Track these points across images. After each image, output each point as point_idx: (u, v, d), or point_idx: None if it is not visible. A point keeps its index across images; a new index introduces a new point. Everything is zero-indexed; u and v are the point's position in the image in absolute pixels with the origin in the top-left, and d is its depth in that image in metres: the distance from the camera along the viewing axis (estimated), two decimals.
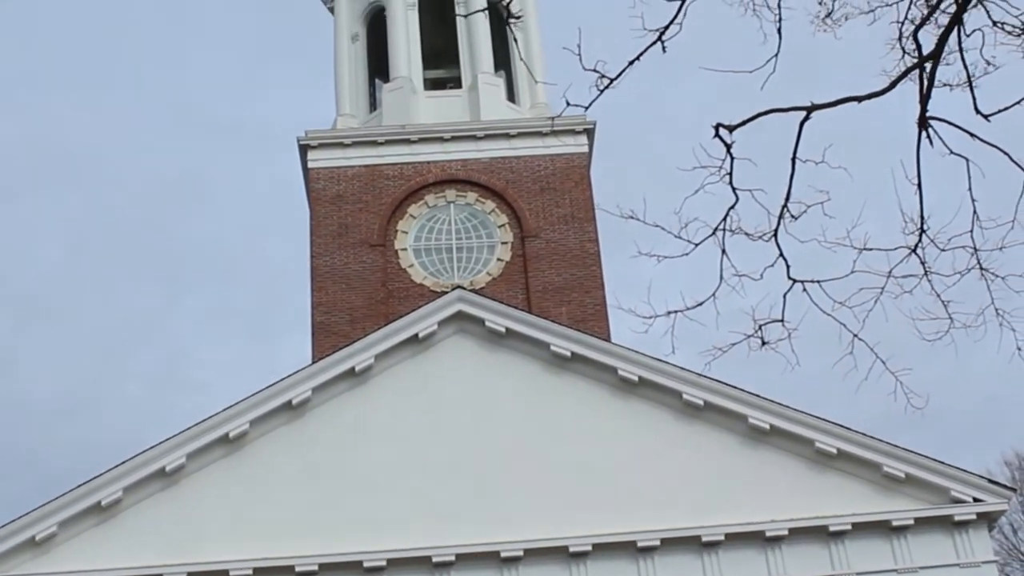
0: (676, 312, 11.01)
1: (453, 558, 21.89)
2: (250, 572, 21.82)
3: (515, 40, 32.48)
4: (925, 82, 10.70)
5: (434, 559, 21.88)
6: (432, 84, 33.55)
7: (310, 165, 30.84)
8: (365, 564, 21.86)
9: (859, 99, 10.91)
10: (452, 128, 31.05)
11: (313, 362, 24.59)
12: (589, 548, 22.01)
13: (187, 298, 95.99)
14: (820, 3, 11.72)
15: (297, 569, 21.82)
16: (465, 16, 31.63)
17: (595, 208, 30.11)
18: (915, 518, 22.42)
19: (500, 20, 33.28)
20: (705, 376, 22.79)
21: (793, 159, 10.96)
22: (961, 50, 10.73)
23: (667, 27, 11.04)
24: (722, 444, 23.20)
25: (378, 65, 33.89)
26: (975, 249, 10.87)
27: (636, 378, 23.36)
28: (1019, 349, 11.10)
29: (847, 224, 10.99)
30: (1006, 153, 10.82)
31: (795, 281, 11.12)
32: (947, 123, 10.81)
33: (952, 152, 10.87)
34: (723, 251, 10.96)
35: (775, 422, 22.98)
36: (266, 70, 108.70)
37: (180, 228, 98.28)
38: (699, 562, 22.15)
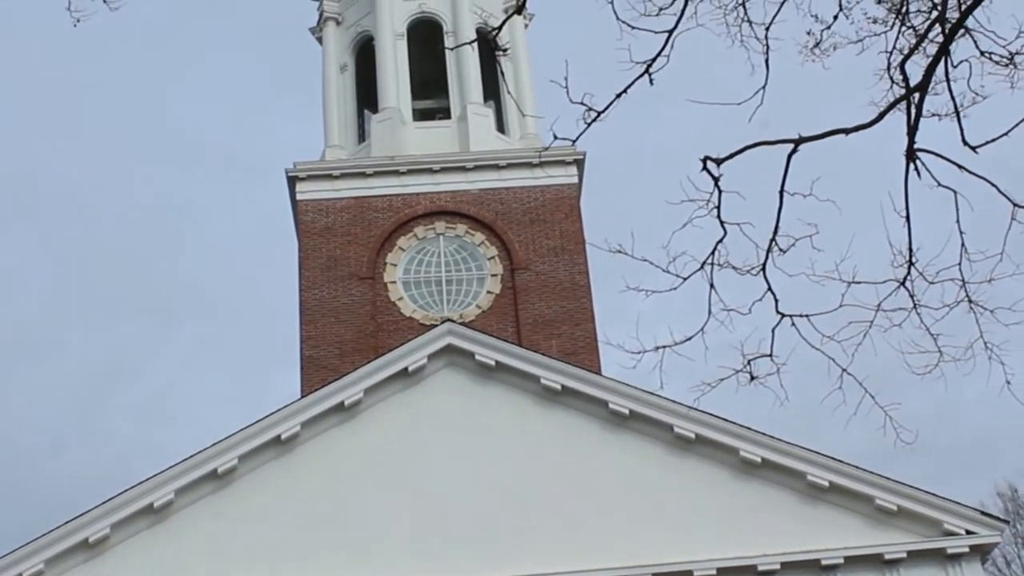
0: (664, 347, 11.01)
1: None
2: None
3: (502, 74, 32.51)
4: (912, 114, 10.72)
5: None
6: (421, 115, 33.56)
7: (298, 197, 30.83)
8: None
9: (847, 131, 10.93)
10: (441, 159, 31.06)
11: (302, 396, 24.53)
12: None
13: (175, 332, 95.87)
14: (808, 33, 11.78)
15: None
16: (452, 49, 31.64)
17: (585, 240, 30.11)
18: (908, 551, 22.38)
19: (490, 49, 33.31)
20: (696, 409, 22.66)
21: (781, 192, 10.97)
22: (948, 81, 10.77)
23: (654, 59, 11.09)
24: (713, 477, 23.16)
25: (367, 95, 33.92)
26: (964, 282, 10.88)
27: (627, 411, 23.32)
28: (1008, 382, 11.11)
29: (836, 257, 11.00)
30: (994, 185, 10.83)
31: (783, 315, 11.12)
32: (935, 155, 10.83)
33: (940, 184, 10.88)
34: (711, 285, 10.97)
35: (767, 455, 22.94)
36: (254, 101, 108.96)
37: (168, 261, 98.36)
38: None
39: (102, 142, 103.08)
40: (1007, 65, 10.91)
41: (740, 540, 22.42)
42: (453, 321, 25.07)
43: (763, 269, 11.01)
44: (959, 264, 10.89)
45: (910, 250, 10.98)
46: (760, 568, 22.12)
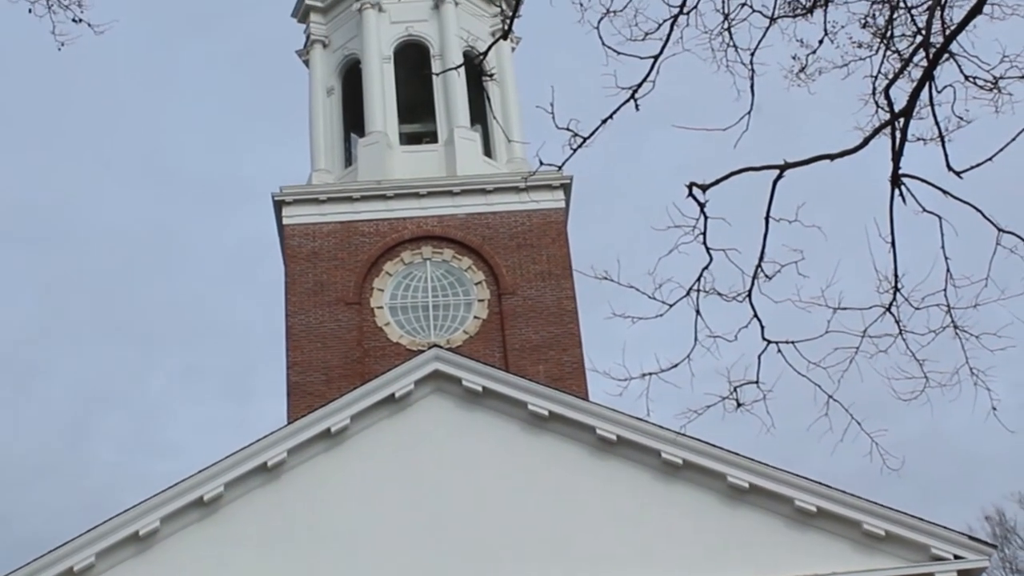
0: (651, 374, 11.01)
1: None
2: None
3: (488, 99, 32.53)
4: (897, 139, 10.75)
5: None
6: (408, 138, 33.54)
7: (285, 221, 30.78)
8: None
9: (832, 157, 10.95)
10: (428, 184, 31.03)
11: (288, 423, 24.43)
12: None
13: (161, 358, 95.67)
14: (794, 58, 11.82)
15: None
16: (438, 74, 31.66)
17: (572, 265, 30.12)
18: None
19: (477, 73, 33.36)
20: (684, 435, 22.65)
21: (767, 218, 10.99)
22: (932, 105, 10.80)
23: (640, 85, 11.12)
24: (701, 503, 23.14)
25: (353, 119, 33.91)
26: (949, 307, 10.89)
27: (615, 437, 23.30)
28: (994, 408, 11.12)
29: (821, 283, 11.02)
30: (978, 210, 10.85)
31: (769, 342, 11.12)
32: (920, 180, 10.85)
33: (925, 210, 10.90)
34: (697, 312, 10.97)
35: (754, 480, 22.93)
36: (241, 125, 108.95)
37: (154, 286, 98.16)
38: None
39: (87, 165, 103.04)
40: (991, 89, 10.95)
41: (728, 565, 22.40)
42: (440, 347, 25.03)
43: (749, 295, 11.02)
44: (944, 290, 10.92)
45: (896, 276, 11.00)
46: None
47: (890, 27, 11.21)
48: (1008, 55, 10.78)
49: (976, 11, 10.19)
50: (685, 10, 11.15)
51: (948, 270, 10.91)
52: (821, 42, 11.61)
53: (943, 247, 10.92)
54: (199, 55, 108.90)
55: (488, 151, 33.42)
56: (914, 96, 10.66)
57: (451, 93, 32.84)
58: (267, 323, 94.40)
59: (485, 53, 13.43)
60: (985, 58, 10.88)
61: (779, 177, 10.88)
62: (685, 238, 10.95)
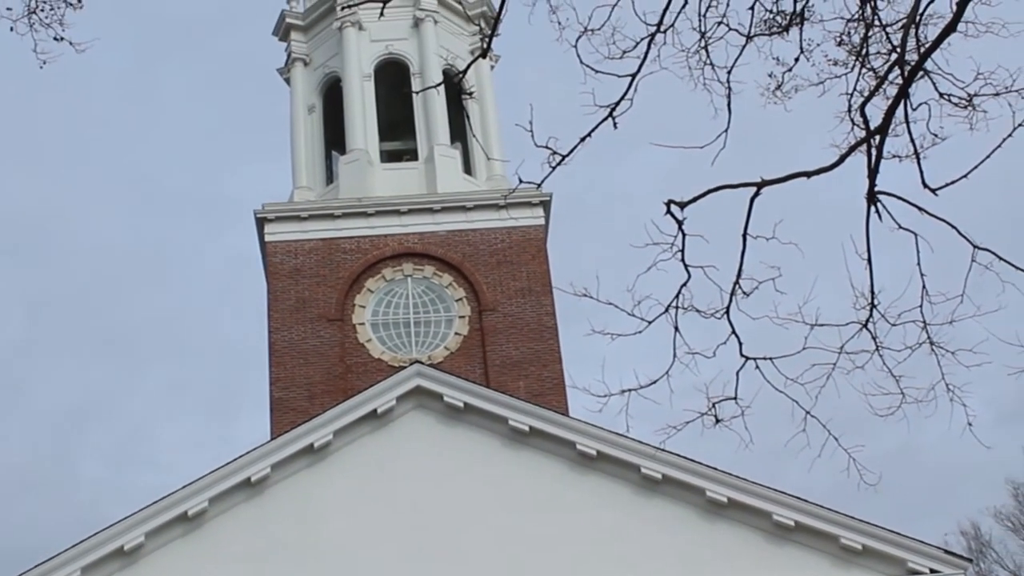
0: (630, 390, 10.96)
1: None
2: None
3: (467, 117, 32.51)
4: (873, 156, 10.71)
5: None
6: (388, 156, 33.46)
7: (267, 238, 30.68)
8: None
9: (808, 174, 10.91)
10: (409, 201, 30.97)
11: (272, 438, 24.38)
12: None
13: (145, 374, 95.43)
14: (770, 75, 11.79)
15: None
16: (418, 92, 31.60)
17: (552, 281, 30.08)
18: None
19: (457, 91, 33.37)
20: (663, 450, 22.43)
21: (744, 235, 10.95)
22: (908, 123, 10.76)
23: (618, 103, 11.06)
24: (680, 517, 23.11)
25: (334, 137, 33.82)
26: (925, 324, 10.85)
27: (595, 452, 23.27)
28: (970, 424, 11.09)
29: (798, 300, 10.97)
30: (954, 227, 10.81)
31: (747, 358, 11.08)
32: (895, 197, 10.82)
33: (901, 227, 10.86)
34: (676, 329, 10.92)
35: (733, 495, 22.92)
36: (224, 142, 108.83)
37: (138, 302, 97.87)
38: None
39: (72, 181, 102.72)
40: (966, 107, 10.92)
41: None
42: (421, 363, 25.01)
43: (727, 312, 10.97)
44: (920, 306, 10.87)
45: (872, 292, 10.96)
46: None
47: (865, 45, 11.19)
48: (983, 72, 10.76)
49: (950, 29, 10.16)
50: (662, 28, 11.11)
51: (924, 287, 10.88)
52: (797, 60, 11.58)
53: (919, 264, 10.89)
54: (182, 73, 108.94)
55: (468, 169, 33.36)
56: (889, 113, 10.63)
57: (431, 111, 32.78)
58: (251, 339, 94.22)
59: (464, 72, 13.41)
60: (960, 76, 10.87)
61: (756, 194, 10.84)
62: (663, 255, 10.90)
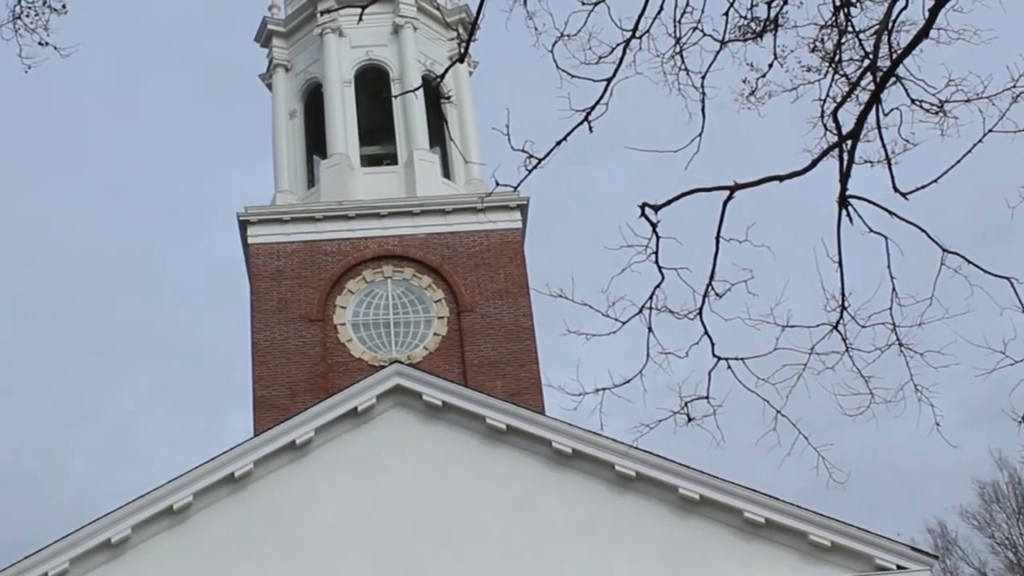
0: (604, 389, 10.85)
1: None
2: None
3: (445, 121, 32.41)
4: (845, 161, 10.62)
5: None
6: (369, 160, 33.30)
7: (250, 241, 30.52)
8: None
9: (781, 178, 10.81)
10: (389, 204, 30.85)
11: (255, 435, 24.33)
12: None
13: (132, 374, 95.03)
14: (744, 81, 11.67)
15: None
16: (396, 96, 31.46)
17: (529, 283, 30.02)
18: None
19: (436, 96, 33.26)
20: (636, 448, 22.50)
21: (717, 238, 10.84)
22: (879, 128, 10.67)
23: (593, 107, 10.95)
24: (653, 514, 23.08)
25: (316, 141, 33.65)
26: (894, 326, 10.78)
27: (570, 450, 23.22)
28: (937, 424, 11.03)
29: (770, 302, 10.88)
30: (924, 231, 10.74)
31: (719, 358, 10.98)
32: (867, 201, 10.73)
33: (871, 230, 10.78)
34: (649, 329, 10.82)
35: (705, 492, 22.88)
36: (207, 146, 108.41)
37: (124, 304, 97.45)
38: None
39: (57, 184, 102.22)
40: (937, 113, 10.83)
41: (680, 574, 22.31)
42: (401, 362, 24.93)
43: (700, 313, 10.87)
44: (890, 308, 10.79)
45: (843, 294, 10.87)
46: None
47: (838, 52, 11.08)
48: (954, 79, 10.67)
49: (922, 35, 10.07)
50: (638, 34, 10.99)
51: (894, 289, 10.81)
52: (771, 66, 11.47)
53: (889, 267, 10.82)
54: (165, 78, 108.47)
55: (447, 173, 33.24)
56: (861, 119, 10.53)
57: (411, 116, 32.65)
58: (234, 340, 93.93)
59: (442, 76, 13.29)
60: (932, 82, 10.78)
61: (729, 198, 10.73)
62: (637, 257, 10.79)
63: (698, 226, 11.19)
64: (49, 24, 11.28)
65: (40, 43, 11.35)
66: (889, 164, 10.78)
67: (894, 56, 10.44)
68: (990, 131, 10.61)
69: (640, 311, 10.81)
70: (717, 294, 10.84)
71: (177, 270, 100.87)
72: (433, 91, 30.47)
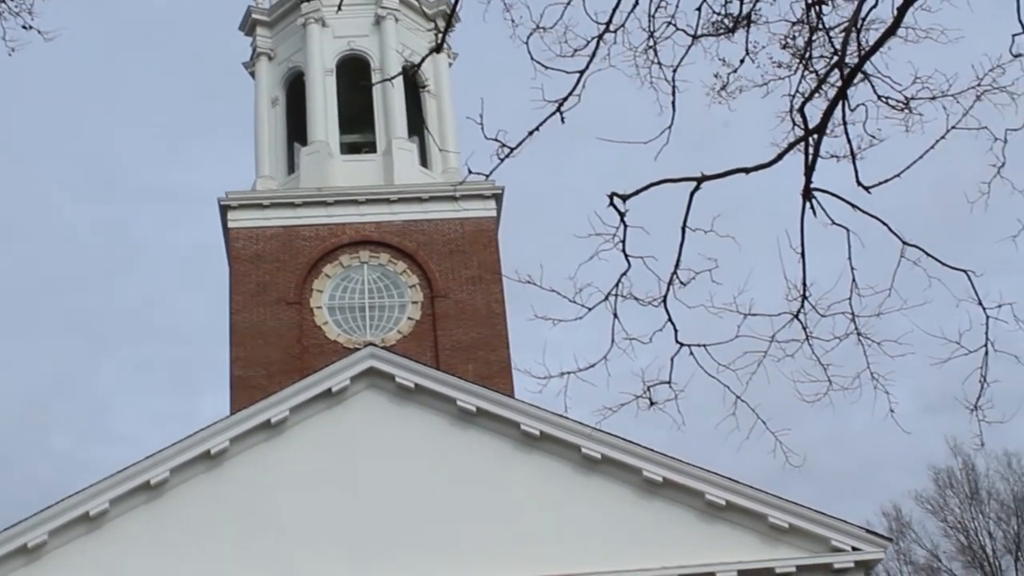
0: (569, 373, 10.78)
1: None
2: None
3: (423, 111, 32.28)
4: (810, 154, 10.56)
5: None
6: (348, 148, 33.17)
7: (230, 225, 30.33)
8: None
9: (747, 170, 10.73)
10: (367, 191, 30.72)
11: (231, 414, 24.20)
12: None
13: (112, 354, 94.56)
14: (716, 76, 11.57)
15: None
16: (373, 84, 31.32)
17: (502, 270, 29.94)
18: (797, 566, 22.49)
19: (416, 87, 33.19)
20: (602, 431, 22.60)
21: (683, 228, 10.75)
22: (845, 124, 10.61)
23: (566, 98, 10.83)
24: (618, 495, 23.11)
25: (296, 129, 33.46)
26: (853, 315, 10.72)
27: (538, 432, 23.22)
28: (892, 411, 11.00)
29: (733, 290, 10.81)
30: (885, 224, 10.69)
31: (682, 345, 10.90)
32: (830, 194, 10.67)
33: (834, 222, 10.72)
34: (615, 315, 10.73)
35: (668, 475, 22.92)
36: (189, 132, 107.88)
37: (105, 286, 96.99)
38: None
39: (39, 167, 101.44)
40: (903, 110, 10.78)
41: (641, 554, 22.41)
42: (375, 345, 24.87)
43: (664, 301, 10.78)
44: (850, 299, 10.73)
45: (804, 284, 10.80)
46: None
47: (809, 49, 10.99)
48: (920, 77, 10.62)
49: (890, 33, 10.01)
50: (612, 28, 10.88)
51: (854, 280, 10.75)
52: (743, 61, 11.36)
53: (850, 258, 10.75)
54: (150, 65, 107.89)
55: (425, 162, 33.11)
56: (828, 114, 10.46)
57: (390, 106, 32.51)
58: (213, 322, 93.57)
59: (418, 65, 13.21)
60: (898, 79, 10.72)
61: (696, 189, 10.65)
62: (605, 246, 10.69)
63: (665, 216, 11.12)
64: (33, 8, 11.09)
65: (24, 27, 11.14)
66: (853, 158, 10.72)
67: (862, 53, 10.38)
68: (953, 128, 10.56)
69: (606, 298, 10.73)
70: (682, 282, 10.76)
71: (158, 253, 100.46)
72: (413, 81, 30.35)
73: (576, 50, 10.93)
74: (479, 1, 10.77)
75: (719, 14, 11.14)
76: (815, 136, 10.44)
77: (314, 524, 22.50)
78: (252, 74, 34.74)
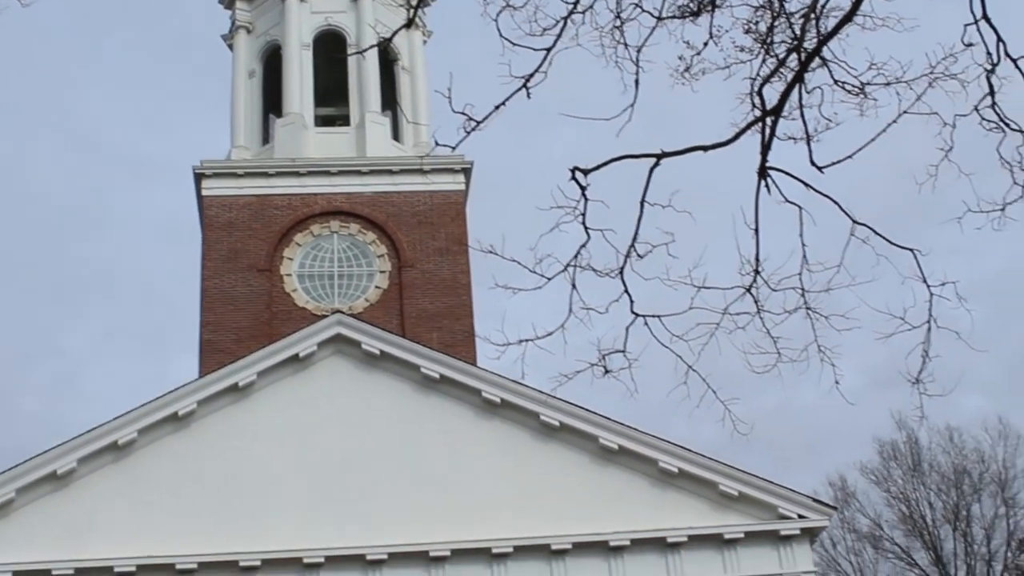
0: (527, 341, 10.79)
1: (322, 560, 21.67)
2: (133, 569, 21.50)
3: (396, 85, 32.12)
4: (767, 134, 10.60)
5: (305, 560, 21.64)
6: (322, 121, 32.98)
7: (204, 193, 30.11)
8: (241, 564, 21.61)
9: (705, 148, 10.76)
10: (339, 163, 30.56)
11: (200, 377, 24.06)
12: (448, 553, 21.85)
13: (83, 317, 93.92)
14: (680, 58, 11.57)
15: (177, 567, 21.53)
16: (347, 56, 31.15)
17: (469, 243, 29.90)
18: (745, 532, 22.60)
19: (389, 64, 33.04)
20: (561, 400, 22.74)
21: (642, 202, 10.78)
22: (801, 107, 10.66)
23: (532, 74, 10.82)
24: (574, 462, 23.18)
25: (272, 101, 33.21)
26: (803, 291, 10.79)
27: (498, 400, 23.25)
28: (837, 382, 11.08)
29: (689, 264, 10.86)
30: (836, 203, 10.78)
31: (637, 315, 10.93)
32: (784, 173, 10.73)
33: (787, 200, 10.79)
34: (573, 285, 10.75)
35: (623, 443, 23.01)
36: (167, 102, 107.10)
37: (78, 250, 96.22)
38: (547, 568, 22.16)
39: (15, 134, 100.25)
40: (858, 94, 10.83)
41: (595, 518, 22.52)
42: (343, 312, 24.83)
43: (621, 272, 10.81)
44: (800, 274, 10.80)
45: (757, 260, 10.85)
46: (611, 544, 22.24)
47: (771, 34, 11.00)
48: (876, 63, 10.69)
49: (847, 19, 10.04)
50: (580, 8, 10.86)
51: (805, 256, 10.82)
52: (706, 44, 11.36)
53: (801, 235, 10.83)
54: (129, 34, 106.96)
55: (397, 136, 32.98)
56: (785, 95, 10.52)
57: (364, 80, 32.37)
58: (184, 288, 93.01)
59: (390, 39, 13.13)
60: (855, 65, 10.77)
61: (655, 165, 10.68)
62: (566, 218, 10.72)
63: (625, 192, 11.13)
64: None
65: None
66: (808, 140, 10.80)
67: (820, 38, 10.40)
68: (905, 112, 10.67)
69: (565, 268, 10.73)
70: (639, 255, 10.78)
71: (130, 218, 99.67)
72: (387, 58, 30.19)
73: (545, 29, 10.92)
74: None
75: None
76: (772, 117, 10.49)
77: (279, 485, 22.45)
78: (230, 46, 34.46)
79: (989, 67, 10.29)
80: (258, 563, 21.54)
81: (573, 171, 10.73)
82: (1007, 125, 10.37)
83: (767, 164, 10.60)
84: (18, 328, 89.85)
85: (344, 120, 32.80)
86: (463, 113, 10.67)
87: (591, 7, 10.90)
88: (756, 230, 10.85)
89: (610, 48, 11.25)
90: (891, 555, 57.02)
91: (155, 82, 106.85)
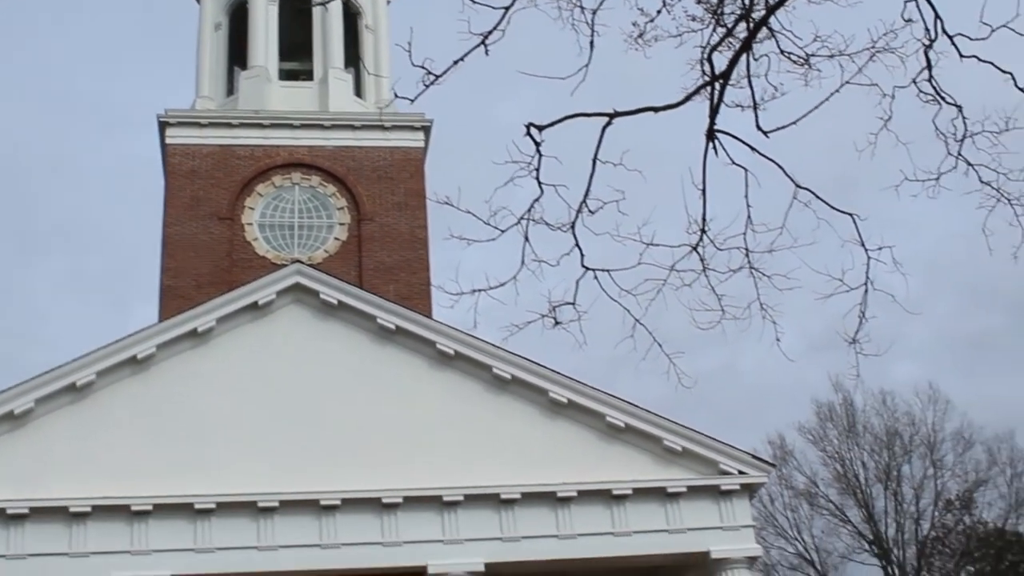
0: (480, 291, 10.90)
1: (276, 504, 21.65)
2: (88, 509, 21.27)
3: (359, 41, 31.99)
4: (715, 99, 10.73)
5: (259, 504, 21.61)
6: (287, 75, 32.89)
7: (168, 141, 29.99)
8: (196, 506, 21.48)
9: (656, 109, 10.89)
10: (302, 116, 30.54)
11: (159, 321, 23.99)
12: (400, 500, 21.92)
13: (46, 264, 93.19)
14: (634, 24, 11.66)
15: (132, 508, 21.33)
16: (312, 5, 30.99)
17: (427, 198, 29.95)
18: (688, 486, 22.82)
19: (354, 22, 32.90)
20: (513, 353, 22.87)
21: (594, 160, 10.90)
22: (749, 74, 10.82)
23: (490, 32, 10.88)
24: (524, 414, 23.31)
25: (238, 54, 33.07)
26: (747, 251, 10.97)
27: (452, 352, 23.32)
28: (778, 340, 11.28)
29: (638, 221, 11.00)
30: (780, 167, 10.96)
31: (587, 269, 11.08)
32: (731, 136, 10.88)
33: (734, 163, 10.95)
34: (525, 238, 10.87)
35: (572, 397, 23.16)
36: (132, 53, 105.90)
37: (40, 195, 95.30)
38: (496, 517, 22.24)
39: None
40: (803, 65, 11.00)
41: (544, 469, 22.63)
42: (302, 262, 24.77)
43: (572, 227, 10.95)
44: (744, 234, 10.99)
45: (703, 219, 11.02)
46: (559, 495, 22.35)
47: (721, 4, 11.12)
48: (820, 36, 10.87)
49: None
50: None
51: (749, 217, 10.99)
52: (659, 12, 11.46)
53: (747, 197, 11.00)
54: None
55: (359, 92, 32.92)
56: (733, 61, 10.65)
57: (328, 37, 32.28)
58: (146, 234, 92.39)
59: None
60: (801, 36, 10.92)
61: (608, 124, 10.79)
62: (521, 173, 10.82)
63: (579, 149, 11.24)
64: None
65: None
66: (755, 106, 10.96)
67: (768, 8, 10.54)
68: (846, 83, 10.85)
69: (518, 221, 10.86)
70: (590, 211, 10.91)
71: (95, 167, 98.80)
72: (352, 16, 30.05)
73: None
74: None
75: None
76: (720, 81, 10.63)
77: (235, 430, 22.39)
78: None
79: (927, 43, 10.51)
80: (213, 506, 21.51)
81: (528, 127, 10.84)
82: (943, 98, 10.61)
83: (715, 127, 10.75)
84: None
85: (308, 75, 32.74)
86: (422, 67, 10.73)
87: None
88: (703, 191, 11.01)
89: (567, 11, 11.33)
90: (825, 512, 58.12)
91: (121, 32, 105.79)
